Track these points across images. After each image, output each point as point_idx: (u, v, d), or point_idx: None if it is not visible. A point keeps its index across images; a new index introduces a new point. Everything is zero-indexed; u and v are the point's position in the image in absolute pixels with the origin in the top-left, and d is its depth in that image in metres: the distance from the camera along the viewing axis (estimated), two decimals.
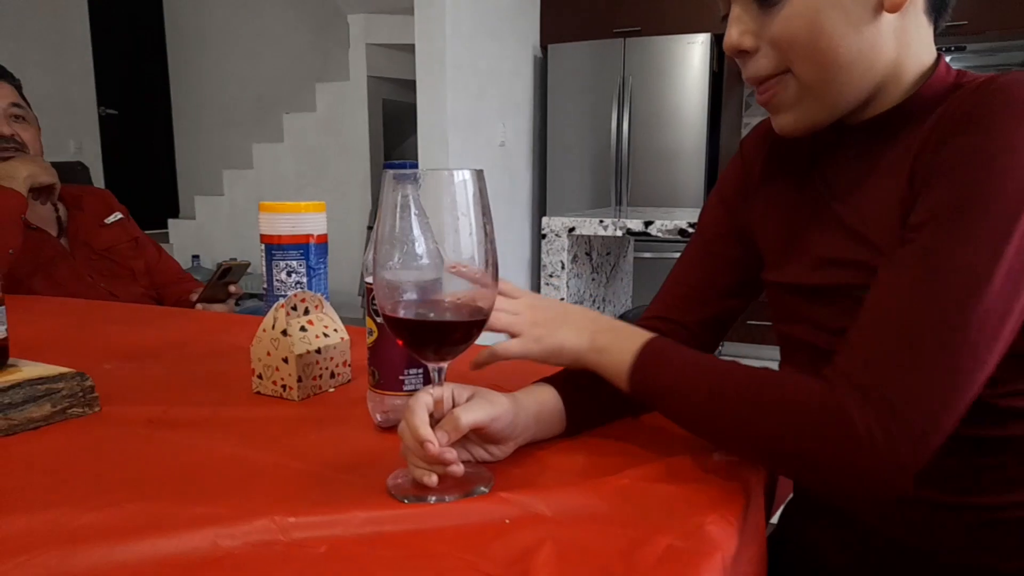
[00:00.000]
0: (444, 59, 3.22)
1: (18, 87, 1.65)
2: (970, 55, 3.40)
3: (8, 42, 4.60)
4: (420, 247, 0.53)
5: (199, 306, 1.60)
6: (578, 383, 0.67)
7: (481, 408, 0.56)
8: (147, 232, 2.02)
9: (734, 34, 0.62)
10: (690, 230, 1.94)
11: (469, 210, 0.52)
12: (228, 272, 1.56)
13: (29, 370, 0.71)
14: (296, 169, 4.81)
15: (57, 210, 1.72)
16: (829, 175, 0.68)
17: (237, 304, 1.69)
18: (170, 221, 5.28)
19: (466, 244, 0.52)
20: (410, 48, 3.39)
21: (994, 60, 3.58)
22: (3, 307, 0.72)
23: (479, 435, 0.58)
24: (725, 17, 0.66)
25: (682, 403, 0.60)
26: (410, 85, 3.69)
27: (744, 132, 4.50)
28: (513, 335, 0.68)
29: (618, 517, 0.51)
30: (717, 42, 3.82)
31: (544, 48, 4.13)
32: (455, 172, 0.52)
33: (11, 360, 0.73)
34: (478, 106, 3.52)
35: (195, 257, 4.84)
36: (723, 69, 3.90)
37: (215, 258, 4.95)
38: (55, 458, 0.62)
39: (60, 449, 0.64)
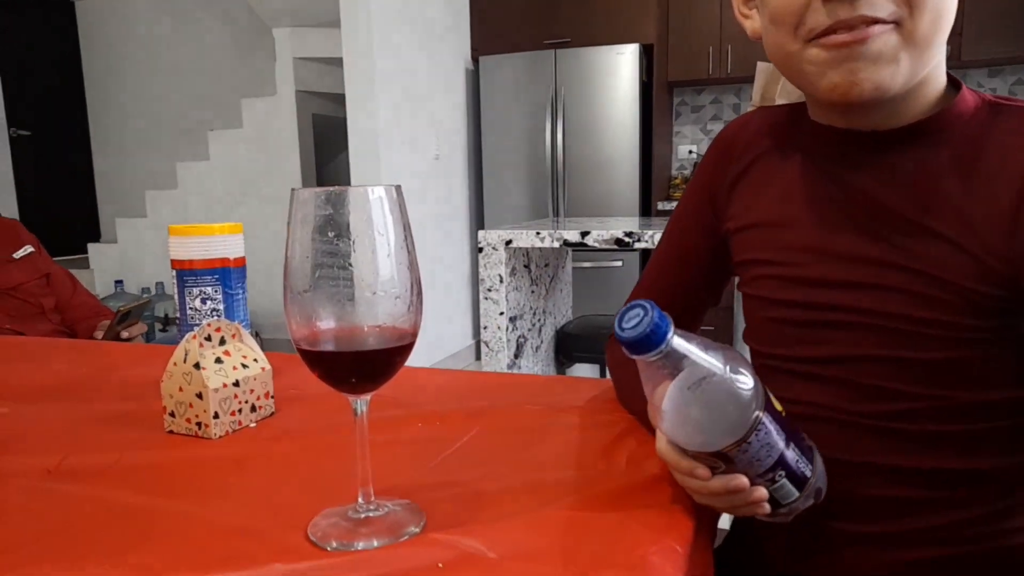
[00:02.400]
0: (373, 73, 3.17)
1: None
2: None
3: None
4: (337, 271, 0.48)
5: None
6: None
7: None
8: (66, 258, 1.94)
9: None
10: (626, 239, 1.93)
11: (387, 229, 0.48)
12: (127, 316, 1.54)
13: None
14: (224, 188, 4.65)
15: None
16: (874, 179, 0.63)
17: (148, 338, 1.67)
18: (90, 246, 5.03)
19: (384, 265, 0.48)
20: (339, 62, 3.33)
21: None
22: None
23: None
24: None
25: None
26: (340, 99, 3.62)
27: (676, 140, 4.59)
28: None
29: (559, 553, 0.47)
30: (646, 52, 3.88)
31: (475, 60, 4.11)
32: (369, 189, 0.48)
33: None
34: (411, 119, 3.48)
35: (118, 282, 4.62)
36: (652, 79, 3.95)
37: (140, 283, 4.74)
38: None
39: None
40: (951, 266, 0.58)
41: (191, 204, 4.73)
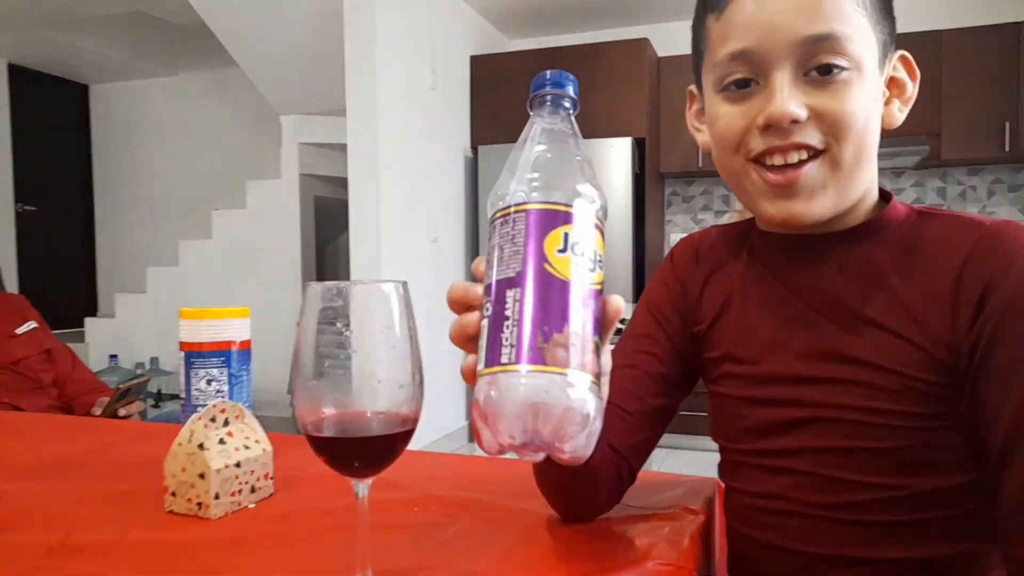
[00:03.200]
0: (376, 159, 3.29)
1: None
2: None
3: None
4: (343, 360, 0.52)
5: None
6: None
7: None
8: (62, 331, 1.98)
9: (791, 104, 0.61)
10: (620, 326, 1.97)
11: (393, 322, 0.52)
12: (127, 393, 1.58)
13: None
14: (224, 266, 4.72)
15: None
16: (820, 277, 0.69)
17: (144, 414, 1.69)
18: (87, 320, 5.06)
19: (389, 356, 0.52)
20: (342, 147, 3.45)
21: None
22: None
23: None
24: (739, 83, 0.65)
25: None
26: (342, 182, 3.74)
27: (668, 228, 4.70)
28: None
29: None
30: (639, 145, 4.03)
31: (475, 149, 4.27)
32: (379, 285, 0.52)
33: None
34: (410, 203, 3.58)
35: (112, 357, 4.62)
36: (645, 170, 4.10)
37: (134, 358, 4.74)
38: None
39: None
40: (898, 357, 0.63)
41: (191, 281, 4.79)
